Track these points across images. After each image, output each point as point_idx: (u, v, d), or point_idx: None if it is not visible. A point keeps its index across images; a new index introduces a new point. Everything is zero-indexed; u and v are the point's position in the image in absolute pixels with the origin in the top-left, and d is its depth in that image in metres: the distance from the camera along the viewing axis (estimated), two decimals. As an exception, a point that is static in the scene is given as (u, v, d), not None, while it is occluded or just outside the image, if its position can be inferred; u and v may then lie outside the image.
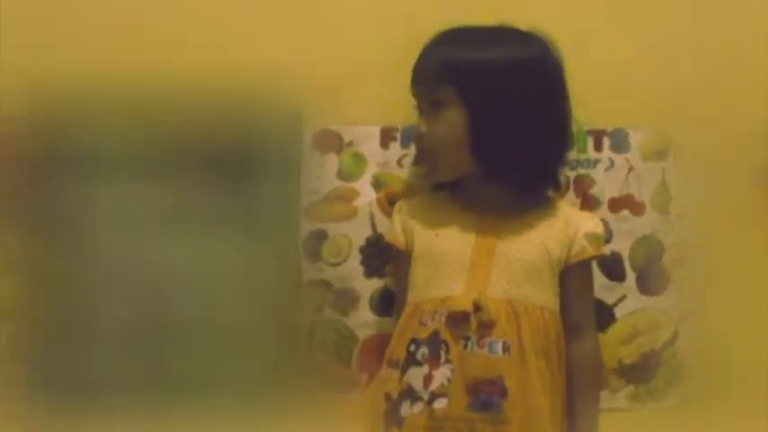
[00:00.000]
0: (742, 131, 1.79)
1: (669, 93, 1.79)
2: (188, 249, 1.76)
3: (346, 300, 1.79)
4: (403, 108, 1.78)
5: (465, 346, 1.61)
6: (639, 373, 1.78)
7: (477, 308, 1.61)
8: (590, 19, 1.80)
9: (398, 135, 1.81)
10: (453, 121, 1.65)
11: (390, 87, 1.78)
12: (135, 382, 1.73)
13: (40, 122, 1.78)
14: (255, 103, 1.78)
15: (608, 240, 1.78)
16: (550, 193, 1.74)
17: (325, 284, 1.79)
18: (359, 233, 1.80)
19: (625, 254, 1.79)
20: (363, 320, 1.79)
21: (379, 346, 1.77)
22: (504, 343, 1.60)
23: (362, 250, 1.80)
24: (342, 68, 1.80)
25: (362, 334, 1.79)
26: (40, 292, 1.77)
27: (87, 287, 1.76)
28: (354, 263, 1.79)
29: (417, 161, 1.77)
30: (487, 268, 1.64)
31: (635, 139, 1.80)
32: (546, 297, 1.65)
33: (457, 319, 1.61)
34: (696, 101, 1.78)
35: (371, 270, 1.79)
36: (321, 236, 1.80)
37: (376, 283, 1.79)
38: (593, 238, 1.69)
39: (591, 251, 1.69)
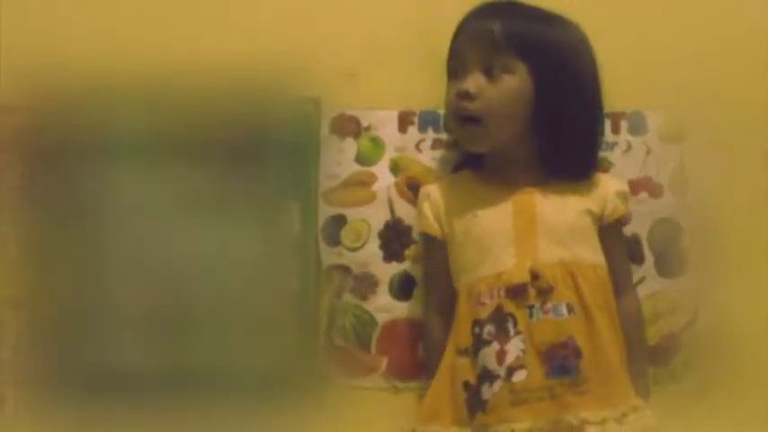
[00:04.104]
0: (760, 113, 1.79)
1: (687, 75, 1.79)
2: (206, 235, 1.76)
3: (365, 284, 1.79)
4: (420, 92, 1.79)
5: (530, 315, 1.60)
6: (659, 355, 1.78)
7: (535, 276, 1.61)
8: (606, 1, 1.80)
9: (416, 119, 1.81)
10: (516, 89, 1.64)
11: (408, 72, 1.80)
12: (152, 369, 1.73)
13: (54, 111, 1.78)
14: (273, 88, 1.78)
15: (626, 222, 1.78)
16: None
17: (345, 269, 1.79)
18: (378, 217, 1.80)
19: (644, 236, 1.79)
20: (383, 305, 1.79)
21: (398, 330, 1.78)
22: (567, 304, 1.61)
23: (381, 235, 1.79)
24: (359, 53, 1.80)
25: (382, 318, 1.79)
26: (52, 280, 1.77)
27: (102, 275, 1.76)
28: (373, 247, 1.79)
29: (455, 124, 1.70)
30: (533, 236, 1.65)
31: (653, 121, 1.80)
32: (594, 254, 1.66)
33: (516, 292, 1.61)
34: (714, 83, 1.78)
35: (390, 254, 1.79)
36: (340, 220, 1.80)
37: (395, 268, 1.79)
38: (622, 195, 1.72)
39: (623, 209, 1.71)
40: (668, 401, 1.77)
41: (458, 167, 1.78)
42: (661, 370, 1.78)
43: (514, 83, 1.64)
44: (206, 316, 1.75)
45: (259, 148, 1.78)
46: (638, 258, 1.79)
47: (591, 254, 1.66)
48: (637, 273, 1.79)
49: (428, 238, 1.74)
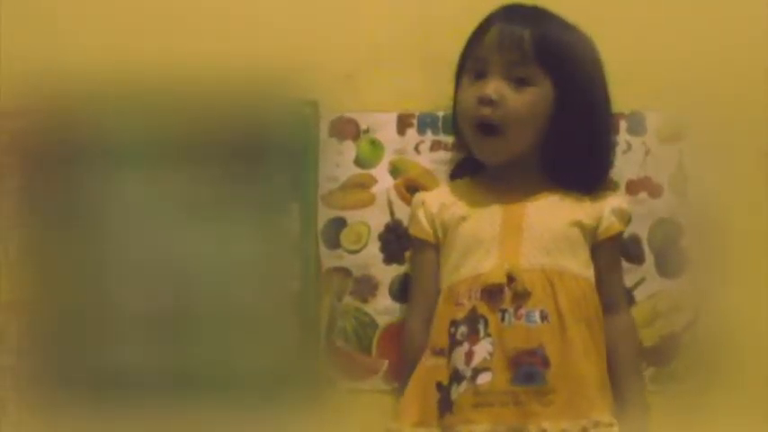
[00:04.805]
0: (759, 113, 1.78)
1: (685, 75, 1.78)
2: (206, 238, 1.76)
3: (366, 287, 1.79)
4: (419, 94, 1.80)
5: (502, 319, 1.59)
6: (660, 355, 1.77)
7: (511, 279, 1.60)
8: (605, 2, 1.80)
9: (415, 121, 1.81)
10: (539, 101, 1.64)
11: (406, 74, 1.80)
12: (153, 372, 1.73)
13: (54, 115, 1.79)
14: (272, 91, 1.78)
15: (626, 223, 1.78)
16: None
17: (345, 272, 1.80)
18: (377, 220, 1.80)
19: (643, 236, 1.78)
20: (383, 307, 1.79)
21: (399, 332, 1.78)
22: (541, 312, 1.59)
23: (381, 237, 1.80)
24: (357, 56, 1.81)
25: (382, 321, 1.79)
26: (53, 283, 1.77)
27: (103, 278, 1.76)
28: (373, 250, 1.80)
29: (473, 132, 1.68)
30: (517, 241, 1.64)
31: (652, 121, 1.80)
32: (580, 266, 1.65)
33: (492, 293, 1.60)
34: (713, 82, 1.78)
35: (390, 257, 1.79)
36: (340, 223, 1.80)
37: (395, 270, 1.79)
38: (620, 213, 1.70)
39: (618, 226, 1.70)
40: (669, 402, 1.77)
41: (455, 172, 1.79)
42: (661, 370, 1.77)
43: (538, 95, 1.65)
44: (206, 318, 1.75)
45: (258, 151, 1.79)
46: (638, 258, 1.78)
47: (576, 266, 1.64)
48: (637, 273, 1.78)
49: (420, 243, 1.73)
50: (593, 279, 1.67)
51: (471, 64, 1.68)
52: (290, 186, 1.79)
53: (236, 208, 1.77)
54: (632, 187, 1.79)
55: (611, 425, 1.58)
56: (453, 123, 1.77)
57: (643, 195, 1.79)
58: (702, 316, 1.78)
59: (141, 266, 1.75)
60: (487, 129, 1.65)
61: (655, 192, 1.79)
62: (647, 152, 1.80)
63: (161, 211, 1.76)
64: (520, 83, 1.64)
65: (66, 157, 1.77)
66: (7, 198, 1.77)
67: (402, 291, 1.79)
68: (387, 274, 1.79)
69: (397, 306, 1.79)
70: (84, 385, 1.71)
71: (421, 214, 1.73)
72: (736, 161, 1.78)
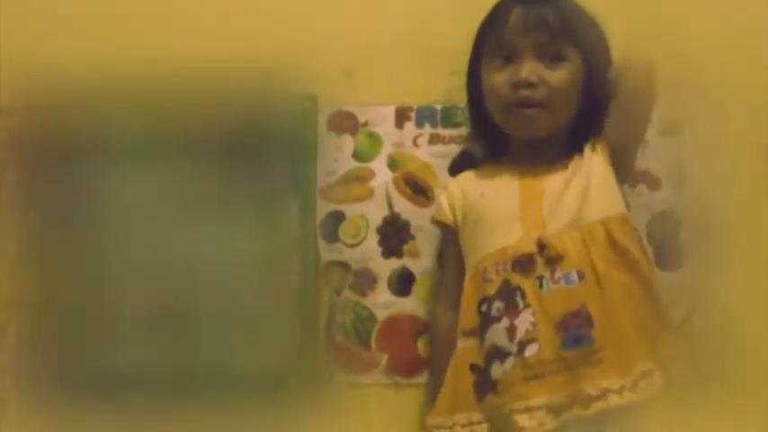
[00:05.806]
0: (758, 105, 1.78)
1: (684, 67, 1.78)
2: (205, 234, 1.76)
3: (365, 280, 1.80)
4: (417, 88, 1.80)
5: (540, 287, 1.56)
6: (658, 348, 1.78)
7: (542, 247, 1.58)
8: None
9: (413, 114, 1.81)
10: (573, 75, 1.63)
11: (404, 67, 1.80)
12: (153, 370, 1.73)
13: (53, 112, 1.78)
14: (270, 86, 1.78)
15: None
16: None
17: (344, 266, 1.80)
18: (376, 213, 1.80)
19: (642, 229, 1.77)
20: (382, 301, 1.79)
21: (398, 326, 1.79)
22: (578, 272, 1.56)
23: (380, 230, 1.80)
24: (355, 50, 1.81)
25: (381, 314, 1.79)
26: (53, 282, 1.77)
27: (102, 276, 1.76)
28: (372, 243, 1.80)
29: (510, 110, 1.65)
30: (538, 209, 1.62)
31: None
32: (609, 206, 1.62)
33: (523, 263, 1.58)
34: (711, 75, 1.77)
35: (389, 250, 1.80)
36: (338, 217, 1.80)
37: (394, 263, 1.79)
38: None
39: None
40: (666, 395, 1.77)
41: (455, 164, 1.79)
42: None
43: (573, 68, 1.64)
44: (206, 314, 1.75)
45: (257, 145, 1.78)
46: (636, 251, 1.79)
47: (602, 208, 1.61)
48: (636, 267, 1.78)
49: (443, 228, 1.73)
50: (623, 209, 1.64)
51: (495, 50, 1.66)
52: (288, 180, 1.79)
53: (235, 203, 1.77)
54: (631, 180, 1.78)
55: (652, 371, 1.55)
56: (472, 111, 1.75)
57: (642, 188, 1.79)
58: (701, 309, 1.78)
59: (141, 263, 1.75)
60: (529, 105, 1.63)
61: (653, 184, 1.79)
62: (646, 145, 1.78)
63: (160, 207, 1.76)
64: (553, 60, 1.63)
65: (66, 154, 1.77)
66: (6, 195, 1.77)
67: (401, 284, 1.79)
68: (385, 267, 1.80)
69: (395, 300, 1.79)
70: (84, 385, 1.72)
71: (444, 199, 1.73)
72: (734, 154, 1.78)
